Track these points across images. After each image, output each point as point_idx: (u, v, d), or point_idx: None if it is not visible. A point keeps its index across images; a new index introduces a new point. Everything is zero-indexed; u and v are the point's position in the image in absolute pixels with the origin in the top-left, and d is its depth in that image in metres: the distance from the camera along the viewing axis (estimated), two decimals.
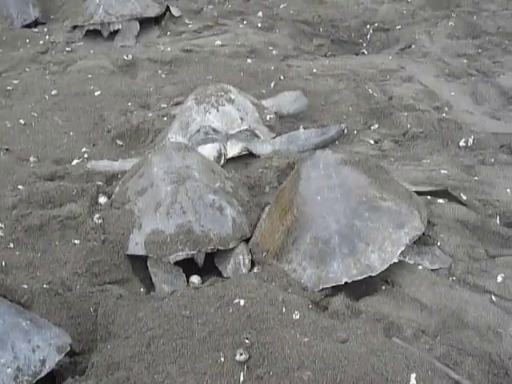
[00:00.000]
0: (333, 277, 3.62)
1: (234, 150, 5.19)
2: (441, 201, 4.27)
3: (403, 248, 3.68)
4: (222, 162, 5.04)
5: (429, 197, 4.28)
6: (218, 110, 5.21)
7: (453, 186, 4.51)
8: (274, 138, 5.28)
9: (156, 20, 8.28)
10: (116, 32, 8.02)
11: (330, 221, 3.72)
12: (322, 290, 3.64)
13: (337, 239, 3.67)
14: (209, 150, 4.96)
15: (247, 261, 4.01)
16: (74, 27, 8.20)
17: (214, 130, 5.12)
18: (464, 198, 4.35)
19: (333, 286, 3.65)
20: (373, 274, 3.61)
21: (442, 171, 4.75)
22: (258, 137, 5.24)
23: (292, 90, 6.04)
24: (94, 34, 8.04)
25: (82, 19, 8.16)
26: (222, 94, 5.34)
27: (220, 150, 5.04)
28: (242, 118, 5.24)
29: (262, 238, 4.04)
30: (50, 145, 5.44)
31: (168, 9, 8.32)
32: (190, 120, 5.22)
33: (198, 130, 5.14)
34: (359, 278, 3.60)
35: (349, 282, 3.60)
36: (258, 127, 5.29)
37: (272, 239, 3.93)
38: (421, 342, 3.22)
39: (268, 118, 5.43)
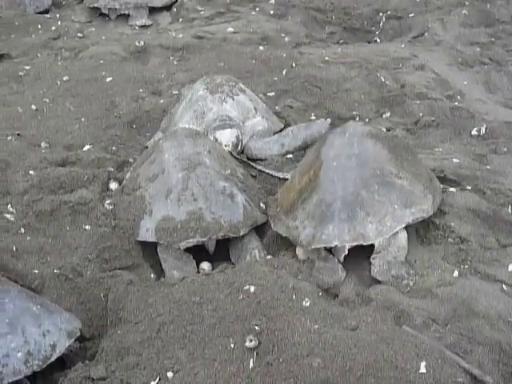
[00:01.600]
0: (325, 238, 3.65)
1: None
2: (452, 189, 4.26)
3: (403, 225, 3.71)
4: (240, 148, 4.97)
5: (440, 185, 4.27)
6: (233, 100, 5.15)
7: (465, 175, 4.49)
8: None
9: (168, 6, 8.25)
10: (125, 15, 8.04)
11: (338, 187, 3.77)
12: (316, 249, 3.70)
13: (339, 204, 3.70)
14: (227, 136, 4.89)
15: (262, 254, 4.01)
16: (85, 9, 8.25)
17: (231, 119, 5.04)
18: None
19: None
20: (364, 243, 3.64)
21: (454, 160, 4.73)
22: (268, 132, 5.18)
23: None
24: (105, 19, 8.06)
25: (89, 0, 8.20)
26: (233, 84, 5.30)
27: (238, 136, 4.94)
28: (255, 108, 5.20)
29: (281, 194, 4.15)
30: (61, 130, 5.43)
31: None
32: (206, 109, 5.09)
33: (215, 120, 5.02)
34: (350, 244, 3.64)
35: (339, 246, 3.64)
36: (270, 117, 5.27)
37: (288, 197, 4.02)
38: (431, 331, 3.22)
39: (277, 108, 5.39)
